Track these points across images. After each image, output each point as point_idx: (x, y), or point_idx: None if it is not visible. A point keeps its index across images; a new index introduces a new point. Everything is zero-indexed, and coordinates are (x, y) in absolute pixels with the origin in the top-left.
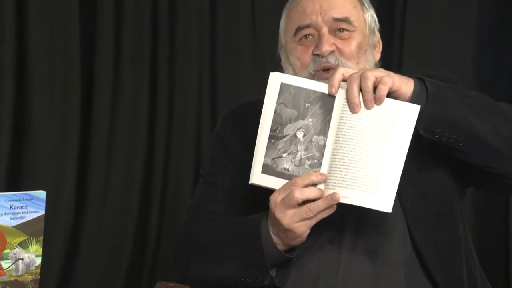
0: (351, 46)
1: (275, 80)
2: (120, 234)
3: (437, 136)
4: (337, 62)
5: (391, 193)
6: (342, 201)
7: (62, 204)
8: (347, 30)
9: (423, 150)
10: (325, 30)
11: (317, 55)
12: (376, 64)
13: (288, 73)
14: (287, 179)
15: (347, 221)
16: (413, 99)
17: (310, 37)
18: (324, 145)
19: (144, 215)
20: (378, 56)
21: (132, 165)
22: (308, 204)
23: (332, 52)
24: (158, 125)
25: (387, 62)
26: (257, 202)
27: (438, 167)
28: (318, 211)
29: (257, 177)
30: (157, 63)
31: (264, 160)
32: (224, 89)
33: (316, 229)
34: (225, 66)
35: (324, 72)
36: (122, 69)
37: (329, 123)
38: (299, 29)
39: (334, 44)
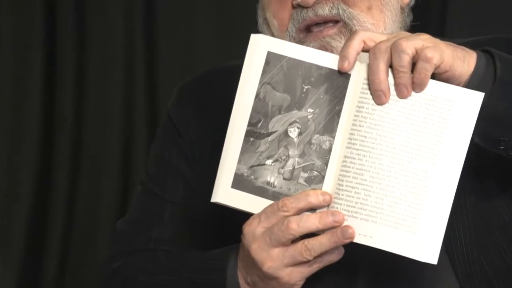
0: None
1: (259, 46)
2: None
3: (502, 148)
4: (336, 12)
5: (438, 233)
6: (359, 240)
7: None
8: None
9: (483, 168)
10: None
11: (298, 6)
12: (403, 19)
13: None
14: (271, 199)
15: (360, 269)
16: (472, 85)
17: None
18: (330, 150)
19: (36, 250)
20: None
21: (18, 171)
22: (305, 241)
23: None
24: (60, 110)
25: (422, 25)
26: (226, 227)
27: (506, 194)
28: (320, 252)
29: (224, 194)
30: (57, 15)
31: (237, 168)
32: (168, 56)
33: (313, 279)
34: (168, 19)
35: (315, 33)
36: None
37: (339, 117)
38: None
39: None
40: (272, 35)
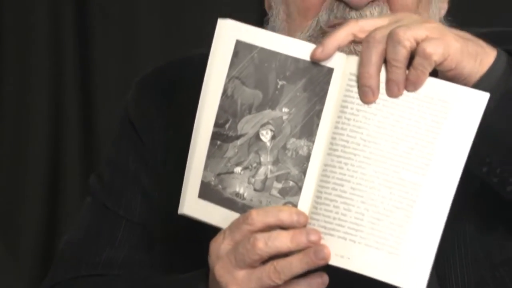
0: None
1: (227, 33)
2: None
3: (484, 170)
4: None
5: (426, 257)
6: (334, 262)
7: None
8: None
9: (485, 188)
10: None
11: (341, 1)
12: (441, 22)
13: (276, 26)
14: (241, 213)
15: None
16: (480, 88)
17: None
18: (309, 157)
19: None
20: (445, 8)
21: None
22: (275, 262)
23: (373, 1)
24: None
25: None
26: (195, 248)
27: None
28: (291, 274)
29: (191, 204)
30: None
31: (203, 176)
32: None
33: None
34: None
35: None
36: None
37: (319, 118)
38: None
39: None
40: (287, 22)
